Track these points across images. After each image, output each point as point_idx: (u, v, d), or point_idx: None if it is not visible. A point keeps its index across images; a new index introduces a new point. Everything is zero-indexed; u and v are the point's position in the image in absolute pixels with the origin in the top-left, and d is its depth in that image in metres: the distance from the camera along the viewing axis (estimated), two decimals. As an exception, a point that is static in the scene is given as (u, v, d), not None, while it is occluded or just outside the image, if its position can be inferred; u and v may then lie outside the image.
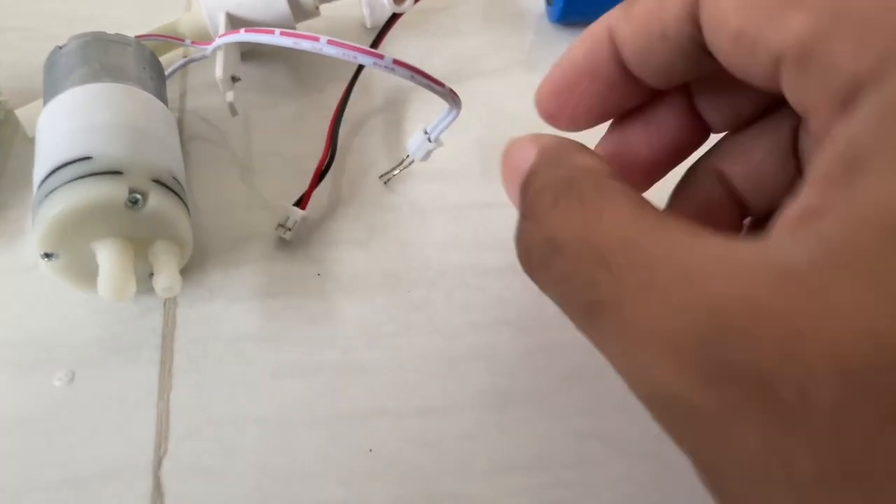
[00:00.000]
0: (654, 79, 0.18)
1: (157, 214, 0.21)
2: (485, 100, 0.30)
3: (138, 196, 0.20)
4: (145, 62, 0.25)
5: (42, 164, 0.21)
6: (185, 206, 0.22)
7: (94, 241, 0.21)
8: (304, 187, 0.25)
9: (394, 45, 0.32)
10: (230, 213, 0.26)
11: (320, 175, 0.25)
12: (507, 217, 0.18)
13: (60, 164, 0.21)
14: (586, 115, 0.19)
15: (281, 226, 0.24)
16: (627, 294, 0.13)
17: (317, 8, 0.29)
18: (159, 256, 0.22)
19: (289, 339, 0.23)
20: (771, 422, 0.11)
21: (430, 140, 0.24)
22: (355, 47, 0.20)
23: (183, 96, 0.29)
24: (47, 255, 0.21)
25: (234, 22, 0.28)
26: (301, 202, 0.25)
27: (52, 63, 0.25)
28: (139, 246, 0.22)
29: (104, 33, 0.25)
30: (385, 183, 0.27)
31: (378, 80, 0.30)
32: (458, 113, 0.23)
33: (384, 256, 0.25)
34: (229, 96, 0.25)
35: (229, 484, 0.20)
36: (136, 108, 0.23)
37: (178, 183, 0.22)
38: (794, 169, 0.18)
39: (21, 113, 0.27)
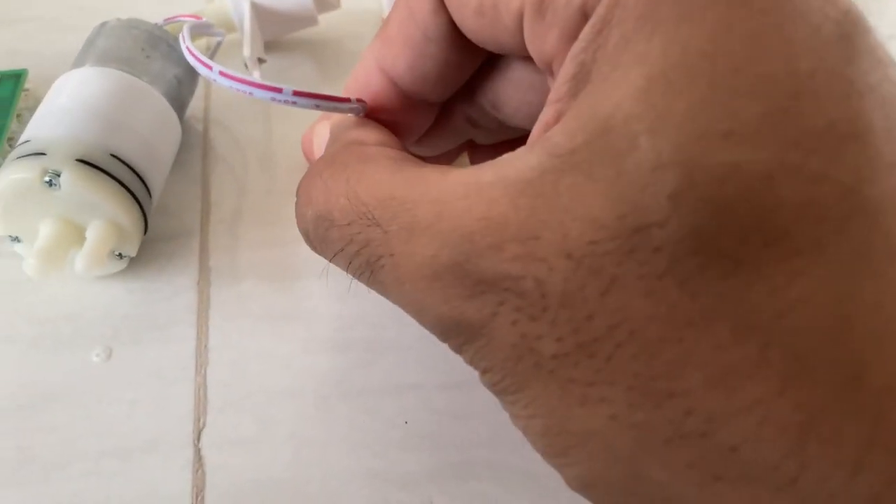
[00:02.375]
0: (435, 90, 0.19)
1: (76, 195, 0.21)
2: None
3: (52, 176, 0.21)
4: (147, 43, 0.25)
5: None
6: (123, 185, 0.22)
7: (38, 223, 0.22)
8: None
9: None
10: (252, 196, 0.26)
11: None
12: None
13: (20, 151, 0.22)
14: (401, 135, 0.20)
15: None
16: (396, 242, 0.14)
17: (338, 1, 0.29)
18: (88, 237, 0.22)
19: (321, 316, 0.23)
20: (520, 316, 0.12)
21: None
22: (251, 82, 0.18)
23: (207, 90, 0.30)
24: (12, 238, 0.22)
25: (258, 12, 0.28)
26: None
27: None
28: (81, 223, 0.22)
29: (118, 19, 0.26)
30: None
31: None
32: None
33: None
34: (256, 76, 0.26)
35: (266, 454, 0.21)
36: (95, 90, 0.23)
37: (120, 162, 0.22)
38: None
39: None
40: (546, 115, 0.14)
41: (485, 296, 0.13)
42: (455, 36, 0.17)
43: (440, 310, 0.14)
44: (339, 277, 0.24)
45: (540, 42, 0.15)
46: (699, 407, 0.11)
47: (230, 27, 0.29)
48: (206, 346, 0.23)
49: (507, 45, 0.16)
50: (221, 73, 0.18)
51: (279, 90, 0.18)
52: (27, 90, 0.29)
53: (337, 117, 0.20)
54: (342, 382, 0.22)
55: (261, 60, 0.26)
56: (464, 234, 0.13)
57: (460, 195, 0.13)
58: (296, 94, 0.18)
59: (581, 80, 0.13)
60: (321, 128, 0.21)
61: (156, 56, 0.25)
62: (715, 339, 0.11)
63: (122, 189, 0.22)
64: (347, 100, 0.19)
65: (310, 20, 0.29)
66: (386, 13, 0.31)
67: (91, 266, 0.21)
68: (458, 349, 0.14)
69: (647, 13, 0.12)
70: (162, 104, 0.24)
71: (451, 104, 0.20)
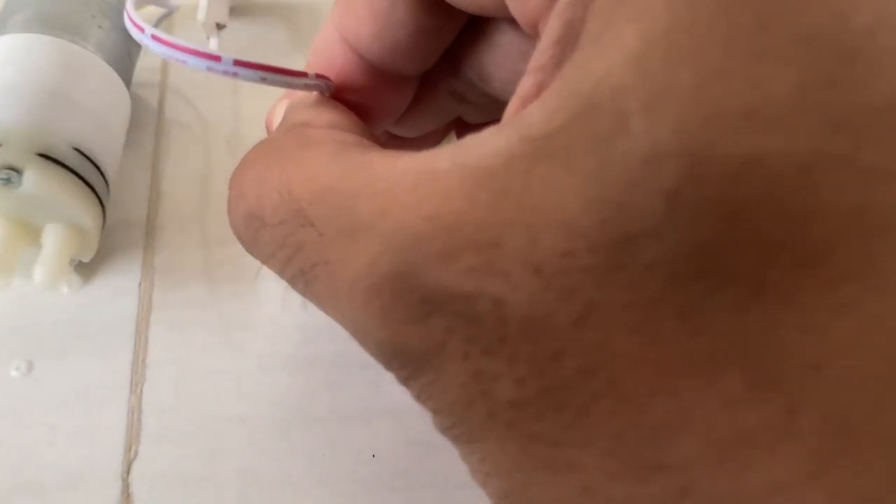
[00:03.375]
0: (406, 61, 0.16)
1: (37, 195, 0.18)
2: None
3: (10, 173, 0.17)
4: (98, 9, 0.22)
5: None
6: (87, 184, 0.19)
7: None
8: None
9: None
10: (215, 186, 0.23)
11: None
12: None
13: None
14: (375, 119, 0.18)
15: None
16: (333, 248, 0.12)
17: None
18: (45, 243, 0.19)
19: (281, 327, 0.20)
20: (472, 349, 0.10)
21: None
22: (186, 48, 0.15)
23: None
24: None
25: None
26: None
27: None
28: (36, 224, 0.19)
29: None
30: None
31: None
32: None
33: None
34: (212, 43, 0.23)
35: (209, 493, 0.18)
36: (48, 65, 0.20)
37: (83, 156, 0.19)
38: None
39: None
40: (524, 86, 0.11)
41: (431, 319, 0.10)
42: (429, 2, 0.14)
43: (379, 334, 0.11)
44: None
45: (523, 4, 0.12)
46: (698, 486, 0.09)
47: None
48: (143, 360, 0.19)
49: (488, 5, 0.13)
50: (154, 38, 0.16)
51: (217, 58, 0.15)
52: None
53: (296, 96, 0.17)
54: (303, 407, 0.19)
55: (219, 26, 0.23)
56: (408, 236, 0.10)
57: (409, 186, 0.11)
58: (237, 63, 0.15)
59: (567, 44, 0.10)
60: (279, 106, 0.17)
61: (107, 26, 0.22)
62: (723, 394, 0.09)
63: (86, 188, 0.19)
64: (304, 74, 0.16)
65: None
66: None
67: (54, 278, 0.18)
68: (403, 382, 0.11)
69: None
70: (114, 79, 0.21)
71: (433, 77, 0.17)
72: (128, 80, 0.23)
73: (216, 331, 0.20)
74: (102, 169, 0.20)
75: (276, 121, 0.18)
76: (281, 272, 0.13)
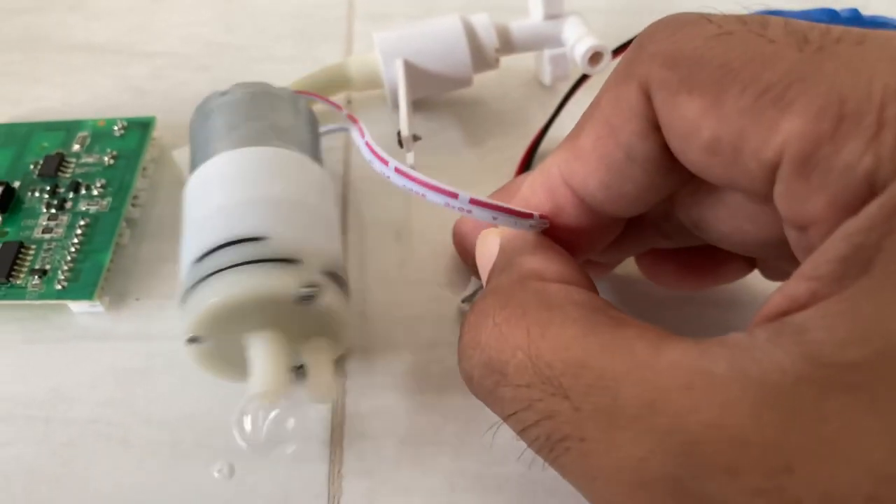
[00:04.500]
0: (630, 210, 0.16)
1: (327, 313, 0.18)
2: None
3: (312, 292, 0.18)
4: (308, 122, 0.23)
5: (201, 232, 0.19)
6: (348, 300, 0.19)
7: (249, 333, 0.18)
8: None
9: (579, 108, 0.29)
10: (398, 287, 0.23)
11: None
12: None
13: (230, 239, 0.18)
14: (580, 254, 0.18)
15: (467, 300, 0.22)
16: (590, 426, 0.12)
17: (497, 60, 0.26)
18: (316, 357, 0.19)
19: (469, 443, 0.20)
20: None
21: None
22: (426, 183, 0.16)
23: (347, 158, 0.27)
24: (193, 339, 0.18)
25: (410, 70, 0.25)
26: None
27: (209, 111, 0.22)
28: (293, 338, 0.19)
29: (269, 85, 0.23)
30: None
31: (557, 140, 0.27)
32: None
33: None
34: (410, 158, 0.23)
35: None
36: (309, 182, 0.20)
37: (345, 274, 0.20)
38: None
39: (179, 155, 0.25)
40: (795, 290, 0.11)
41: None
42: (665, 161, 0.14)
43: None
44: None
45: (798, 203, 0.12)
46: None
47: (375, 83, 0.27)
48: (339, 471, 0.20)
49: (741, 186, 0.13)
50: (397, 170, 0.17)
51: (455, 195, 0.16)
52: (154, 139, 0.26)
53: (511, 232, 0.17)
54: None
55: (416, 138, 0.23)
56: (687, 441, 0.11)
57: (681, 384, 0.11)
58: (472, 202, 0.16)
59: (855, 265, 0.10)
60: (490, 237, 0.18)
61: (316, 137, 0.23)
62: None
63: (347, 306, 0.19)
64: (530, 215, 0.17)
65: (465, 81, 0.26)
66: (543, 76, 0.28)
67: (324, 396, 0.19)
68: None
69: None
70: (336, 196, 0.22)
71: (643, 217, 0.17)
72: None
73: (406, 444, 0.20)
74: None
75: (483, 248, 0.18)
76: (521, 432, 0.14)
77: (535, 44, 0.27)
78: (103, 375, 0.21)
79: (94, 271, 0.22)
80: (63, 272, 0.22)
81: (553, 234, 0.17)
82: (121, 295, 0.23)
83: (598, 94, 0.15)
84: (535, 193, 0.17)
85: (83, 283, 0.22)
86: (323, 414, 0.20)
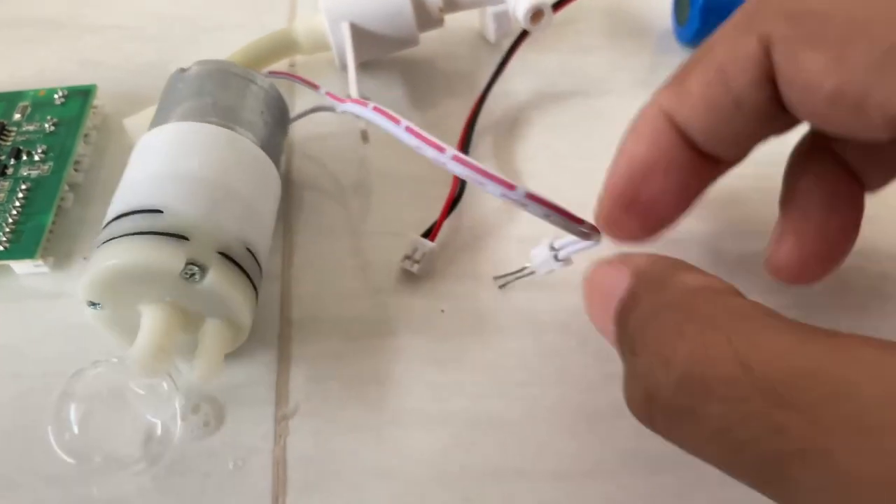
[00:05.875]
0: (729, 151, 0.17)
1: (214, 293, 0.18)
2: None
3: (195, 269, 0.17)
4: (265, 104, 0.22)
5: (117, 200, 0.19)
6: (253, 284, 0.19)
7: (142, 303, 0.18)
8: (424, 214, 0.23)
9: (522, 64, 0.29)
10: (347, 240, 0.24)
11: (452, 204, 0.23)
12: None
13: (130, 209, 0.18)
14: (663, 216, 0.18)
15: (408, 258, 0.22)
16: (835, 437, 0.11)
17: (441, 19, 0.27)
18: (205, 339, 0.19)
19: (412, 383, 0.21)
20: None
21: (556, 258, 0.20)
22: (485, 172, 0.16)
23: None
24: (92, 304, 0.18)
25: (357, 33, 0.26)
26: (430, 233, 0.22)
27: (170, 87, 0.22)
28: (193, 317, 0.19)
29: (231, 64, 0.23)
30: (500, 287, 0.23)
31: (502, 97, 0.28)
32: (596, 244, 0.19)
33: (514, 294, 0.23)
34: (363, 123, 0.23)
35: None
36: (229, 161, 0.20)
37: (252, 257, 0.19)
38: None
39: (130, 123, 0.25)
40: None
41: None
42: (771, 110, 0.15)
43: None
44: (434, 338, 0.22)
45: None
46: None
47: (323, 46, 0.27)
48: (284, 414, 0.20)
49: (860, 135, 0.14)
50: (455, 158, 0.17)
51: (512, 187, 0.16)
52: (95, 108, 0.26)
53: (640, 257, 0.16)
54: (437, 464, 0.19)
55: (366, 98, 0.23)
56: None
57: None
58: (529, 196, 0.16)
59: None
60: (608, 277, 0.16)
61: (269, 121, 0.22)
62: None
63: (252, 289, 0.19)
64: (581, 221, 0.17)
65: (412, 41, 0.26)
66: (488, 34, 0.28)
67: (210, 375, 0.18)
68: None
69: None
70: (275, 175, 0.21)
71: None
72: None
73: (352, 385, 0.20)
74: (262, 265, 0.20)
75: (609, 280, 0.16)
76: (724, 452, 0.13)
77: (478, 1, 0.27)
78: (52, 332, 0.21)
79: (35, 232, 0.22)
80: (5, 233, 0.22)
81: (651, 179, 0.17)
82: (67, 255, 0.23)
83: (710, 40, 0.16)
84: (638, 132, 0.17)
85: (25, 244, 0.22)
86: (268, 357, 0.21)
